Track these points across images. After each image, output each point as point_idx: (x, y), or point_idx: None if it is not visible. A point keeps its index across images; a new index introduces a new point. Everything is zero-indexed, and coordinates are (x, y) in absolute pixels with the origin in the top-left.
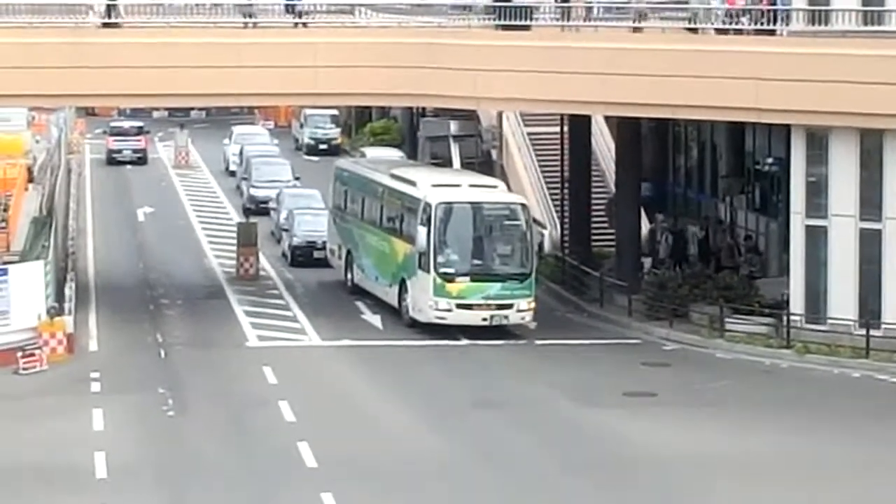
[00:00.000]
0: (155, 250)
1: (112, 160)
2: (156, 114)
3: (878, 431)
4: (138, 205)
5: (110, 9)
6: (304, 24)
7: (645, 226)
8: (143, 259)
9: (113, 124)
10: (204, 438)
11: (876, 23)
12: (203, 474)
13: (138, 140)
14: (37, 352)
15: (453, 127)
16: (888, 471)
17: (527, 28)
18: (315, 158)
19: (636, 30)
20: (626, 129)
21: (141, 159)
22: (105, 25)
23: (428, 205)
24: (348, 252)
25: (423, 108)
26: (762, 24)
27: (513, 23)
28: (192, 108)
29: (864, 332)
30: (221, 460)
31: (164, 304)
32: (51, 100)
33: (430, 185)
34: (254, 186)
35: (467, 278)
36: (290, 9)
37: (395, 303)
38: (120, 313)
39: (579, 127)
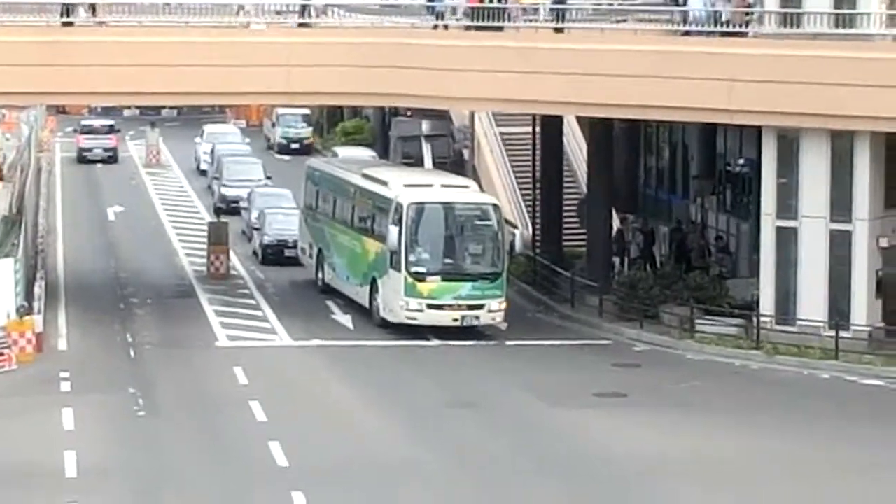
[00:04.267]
0: (125, 249)
1: (83, 158)
2: (127, 112)
3: (847, 432)
4: (109, 203)
5: (68, 8)
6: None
7: (616, 225)
8: (113, 258)
9: (84, 122)
10: (174, 438)
11: (847, 25)
12: (174, 474)
13: (109, 138)
14: (6, 351)
15: (425, 126)
16: (857, 471)
17: (499, 29)
18: (287, 157)
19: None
20: (598, 130)
21: (112, 158)
22: (64, 24)
23: (399, 204)
24: (319, 251)
25: (396, 108)
26: (735, 26)
27: (485, 23)
28: (164, 107)
29: (833, 333)
30: (192, 460)
31: (135, 303)
32: (23, 97)
33: (402, 185)
34: (225, 185)
35: (438, 278)
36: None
37: (365, 303)
38: (90, 312)
39: (551, 127)
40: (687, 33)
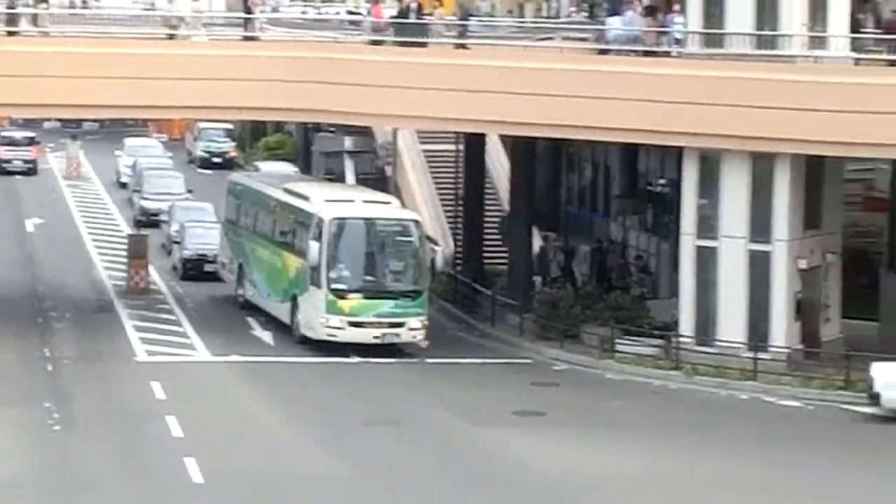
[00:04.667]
0: (44, 262)
1: (1, 170)
2: (47, 124)
3: (765, 453)
4: (27, 216)
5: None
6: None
7: (537, 244)
8: (31, 271)
9: (3, 134)
10: (90, 453)
11: (769, 47)
12: (89, 489)
13: (29, 150)
14: None
15: (348, 143)
16: (775, 492)
17: (423, 45)
18: (208, 172)
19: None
20: (521, 148)
21: (31, 170)
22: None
23: (321, 220)
24: (240, 266)
25: (318, 124)
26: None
27: (409, 39)
28: (85, 120)
29: (752, 354)
30: (108, 475)
31: (53, 316)
32: None
33: (324, 201)
34: (145, 198)
35: (359, 295)
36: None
37: (286, 319)
38: (7, 326)
39: (474, 145)
40: (604, 52)
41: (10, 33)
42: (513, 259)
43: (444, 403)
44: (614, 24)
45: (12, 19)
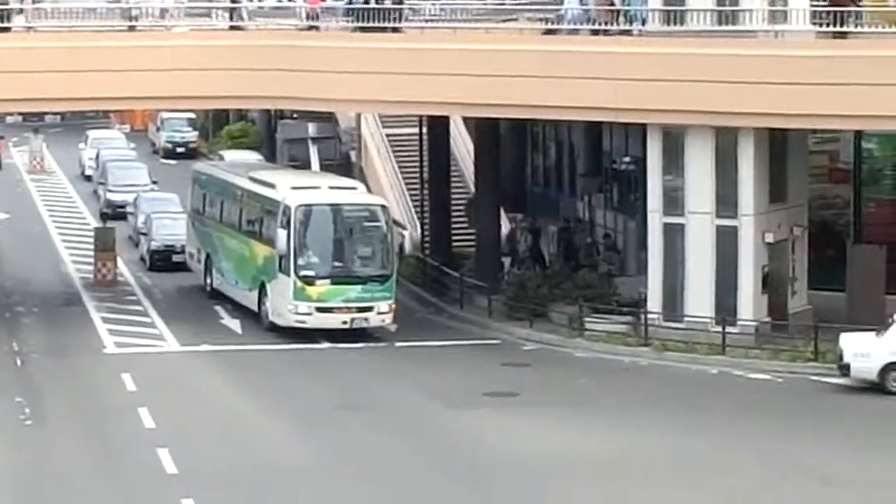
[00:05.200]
0: (10, 257)
1: None
2: (9, 118)
3: (735, 426)
4: None
5: None
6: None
7: (505, 225)
8: None
9: None
10: (62, 447)
11: (730, 22)
12: (62, 483)
13: None
14: None
15: (311, 129)
16: (747, 465)
17: (384, 30)
18: (172, 162)
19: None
20: (485, 130)
21: None
22: None
23: (287, 207)
24: (207, 256)
25: (282, 111)
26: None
27: (370, 24)
28: (47, 113)
29: (720, 329)
30: (81, 469)
31: (21, 311)
32: None
33: (290, 188)
34: (110, 191)
35: (328, 281)
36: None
37: (254, 307)
38: None
39: (438, 128)
40: (551, 32)
41: None
42: (480, 241)
43: (415, 386)
44: (572, 5)
45: None
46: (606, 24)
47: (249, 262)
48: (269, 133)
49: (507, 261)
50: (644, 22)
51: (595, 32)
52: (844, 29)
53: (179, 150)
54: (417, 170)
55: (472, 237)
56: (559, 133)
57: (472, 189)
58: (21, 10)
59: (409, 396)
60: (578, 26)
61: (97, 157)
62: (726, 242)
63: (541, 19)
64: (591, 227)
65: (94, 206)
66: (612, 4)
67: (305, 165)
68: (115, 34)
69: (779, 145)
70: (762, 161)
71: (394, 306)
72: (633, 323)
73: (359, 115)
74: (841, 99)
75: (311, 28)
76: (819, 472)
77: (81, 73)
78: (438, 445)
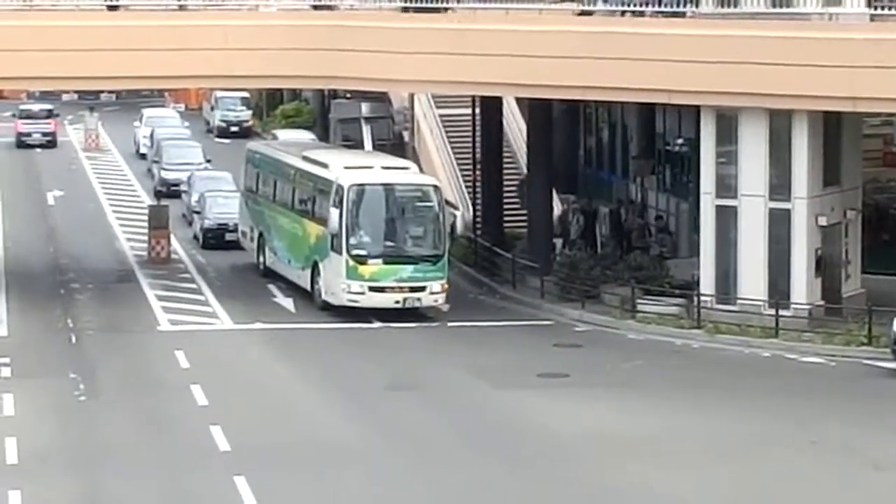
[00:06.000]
0: (65, 234)
1: (21, 143)
2: (65, 97)
3: (788, 410)
4: (48, 188)
5: None
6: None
7: (557, 206)
8: (53, 243)
9: (22, 107)
10: (116, 423)
11: (784, 5)
12: (115, 459)
13: (48, 123)
14: None
15: (365, 109)
16: (799, 449)
17: (437, 10)
18: (226, 141)
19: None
20: (538, 111)
21: (50, 142)
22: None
23: (340, 187)
24: (260, 235)
25: (335, 90)
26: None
27: (424, 5)
28: (103, 91)
29: (773, 311)
30: (133, 445)
31: (75, 288)
32: None
33: (343, 167)
34: (165, 169)
35: (380, 261)
36: None
37: (307, 286)
38: (30, 298)
39: (491, 108)
40: (586, 13)
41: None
42: (532, 222)
43: (466, 367)
44: None
45: None
46: (647, 4)
47: (302, 241)
48: (322, 113)
49: (558, 242)
50: (697, 3)
51: (639, 14)
52: None
53: (233, 129)
54: (470, 150)
55: (524, 218)
56: (612, 114)
57: (525, 170)
58: None
59: (460, 377)
60: (614, 7)
61: (152, 135)
62: (779, 225)
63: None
64: (643, 208)
65: (149, 184)
66: None
67: (358, 145)
68: (169, 13)
69: (833, 128)
70: (816, 144)
71: (446, 286)
72: (685, 305)
73: (412, 95)
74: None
75: (326, 7)
76: (871, 457)
77: (136, 52)
78: (487, 426)
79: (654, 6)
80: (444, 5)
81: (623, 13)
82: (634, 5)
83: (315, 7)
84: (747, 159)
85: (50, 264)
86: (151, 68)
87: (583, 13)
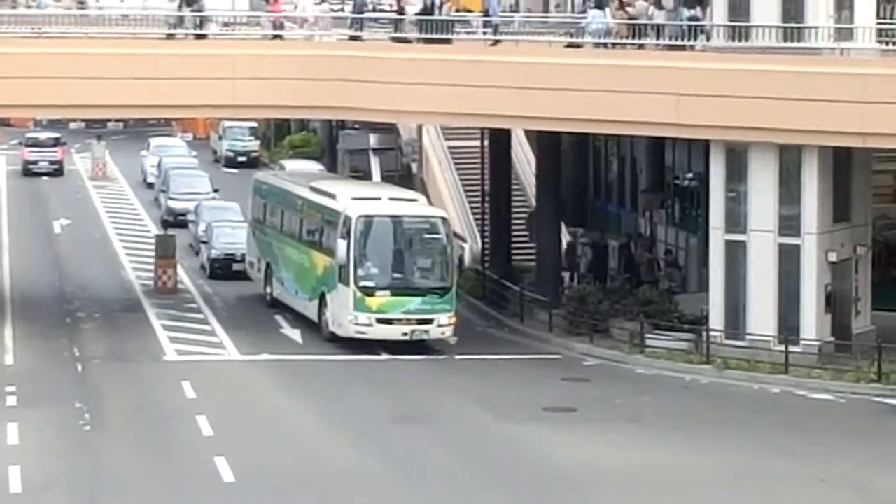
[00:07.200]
0: (72, 263)
1: (28, 171)
2: (73, 125)
3: (797, 446)
4: (55, 217)
5: None
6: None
7: (565, 239)
8: (59, 272)
9: (29, 135)
10: (121, 453)
11: (795, 39)
12: (119, 489)
13: (55, 151)
14: None
15: (373, 140)
16: (807, 486)
17: (447, 42)
18: (234, 171)
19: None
20: (546, 143)
21: (57, 171)
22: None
23: (348, 218)
24: (267, 265)
25: (343, 121)
26: (681, 39)
27: (433, 36)
28: (110, 120)
29: (783, 347)
30: (138, 475)
31: (81, 317)
32: None
33: (350, 198)
34: (172, 198)
35: (387, 292)
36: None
37: (314, 317)
38: (36, 326)
39: (499, 140)
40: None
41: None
42: (541, 254)
43: (473, 400)
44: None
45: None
46: (625, 37)
47: (309, 272)
48: (330, 143)
49: (566, 275)
50: (708, 37)
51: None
52: None
53: (241, 158)
54: (478, 182)
55: (533, 251)
56: (621, 147)
57: (533, 202)
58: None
59: (467, 409)
60: (599, 40)
61: (159, 164)
62: (789, 261)
63: (565, 33)
64: (652, 242)
65: (156, 214)
66: (632, 18)
67: (366, 176)
68: (179, 42)
69: (843, 164)
70: (826, 179)
71: (454, 319)
72: (694, 340)
73: (420, 127)
74: None
75: (275, 37)
76: (880, 495)
77: (144, 81)
78: (493, 458)
79: (664, 39)
80: (451, 36)
81: (615, 45)
82: (644, 36)
83: (274, 37)
84: (757, 194)
85: (56, 293)
86: (160, 97)
87: (570, 45)
